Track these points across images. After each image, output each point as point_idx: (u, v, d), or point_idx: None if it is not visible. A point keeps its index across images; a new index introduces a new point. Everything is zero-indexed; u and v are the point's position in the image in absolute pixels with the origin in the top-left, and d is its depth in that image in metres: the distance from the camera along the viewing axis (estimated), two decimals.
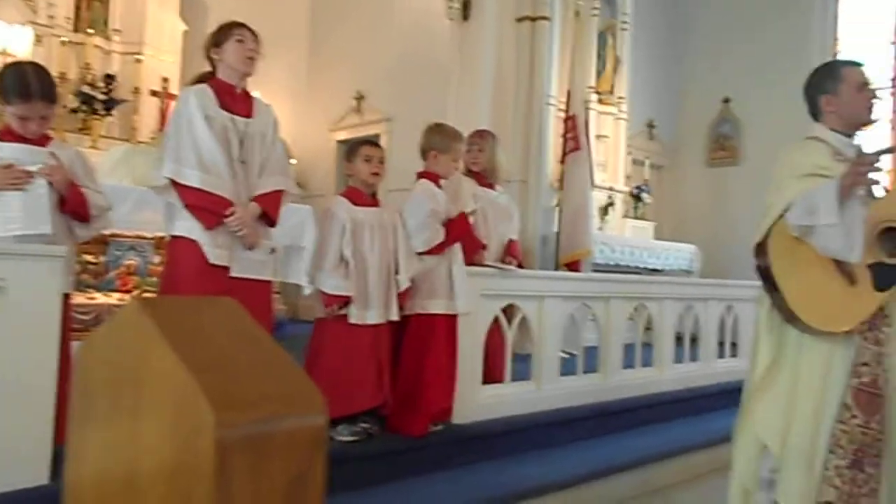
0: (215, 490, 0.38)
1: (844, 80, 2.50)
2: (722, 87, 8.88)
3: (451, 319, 3.34)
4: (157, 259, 4.76)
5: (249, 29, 2.92)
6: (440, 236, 3.28)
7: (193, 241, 2.71)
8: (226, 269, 2.75)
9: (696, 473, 4.05)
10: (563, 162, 6.09)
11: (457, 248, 3.40)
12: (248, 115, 2.91)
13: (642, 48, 8.23)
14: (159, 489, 0.42)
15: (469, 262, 3.51)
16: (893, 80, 7.78)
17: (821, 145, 2.51)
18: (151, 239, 4.78)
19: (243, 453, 0.40)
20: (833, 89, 2.51)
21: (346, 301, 3.04)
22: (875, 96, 2.54)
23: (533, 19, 6.18)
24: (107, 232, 4.07)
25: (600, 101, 7.15)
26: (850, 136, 2.55)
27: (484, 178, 4.13)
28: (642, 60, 8.28)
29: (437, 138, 3.45)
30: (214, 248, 2.72)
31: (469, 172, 4.12)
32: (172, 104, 6.22)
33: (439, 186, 3.41)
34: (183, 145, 2.71)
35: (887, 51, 7.88)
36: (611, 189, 7.31)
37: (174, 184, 2.71)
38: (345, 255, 3.07)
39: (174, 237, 2.80)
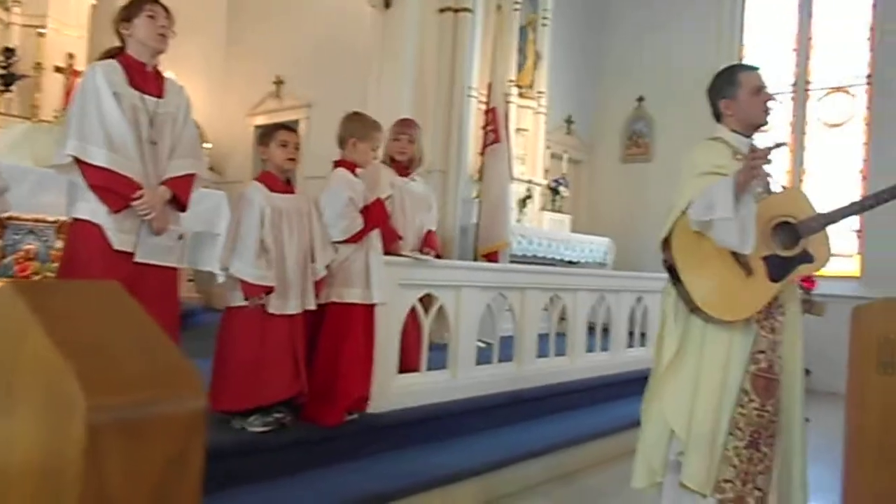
0: (85, 474, 0.38)
1: (741, 85, 2.63)
2: (637, 86, 9.18)
3: (368, 309, 3.33)
4: (59, 244, 4.53)
5: (162, 4, 2.80)
6: (358, 224, 3.26)
7: (97, 225, 2.59)
8: (130, 254, 2.64)
9: (604, 458, 4.21)
10: (482, 154, 6.15)
11: (374, 237, 3.39)
12: (159, 95, 2.80)
13: (562, 45, 8.40)
14: (30, 476, 0.41)
15: (386, 252, 3.51)
16: (794, 84, 8.25)
17: (721, 145, 2.64)
18: (53, 222, 4.54)
19: (116, 437, 0.39)
20: (731, 94, 2.63)
21: (269, 290, 2.98)
22: (771, 99, 2.67)
23: (455, 10, 6.19)
24: (4, 215, 3.84)
25: (520, 95, 7.26)
26: (748, 136, 2.68)
27: (404, 167, 4.12)
28: (562, 57, 8.46)
29: (357, 126, 3.42)
30: (119, 233, 2.60)
31: (392, 161, 4.10)
32: (78, 81, 5.91)
33: (356, 175, 3.38)
34: (89, 122, 2.57)
35: (789, 56, 8.33)
36: (529, 182, 7.44)
37: (78, 162, 2.57)
38: (266, 243, 3.01)
39: (75, 220, 2.66)
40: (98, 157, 2.55)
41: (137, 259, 2.65)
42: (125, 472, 0.40)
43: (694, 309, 2.52)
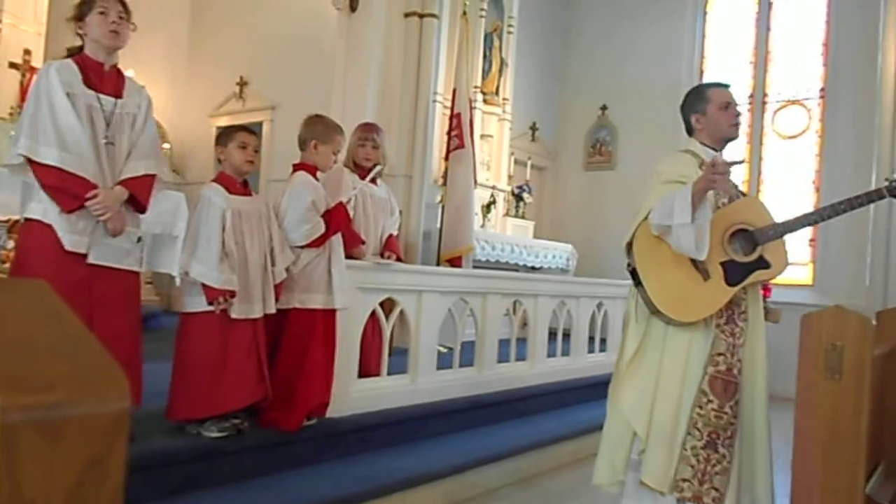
0: None
1: (711, 101, 2.76)
2: (600, 95, 9.31)
3: (329, 314, 3.30)
4: (11, 244, 4.42)
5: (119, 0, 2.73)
6: (321, 228, 3.23)
7: (48, 225, 2.53)
8: (84, 256, 2.58)
9: (564, 462, 4.24)
10: (447, 159, 6.17)
11: (336, 242, 3.36)
12: (118, 95, 2.74)
13: (527, 52, 8.48)
14: None
15: (348, 255, 3.49)
16: (751, 96, 8.44)
17: (688, 156, 2.75)
18: (5, 222, 4.43)
19: (33, 437, 0.38)
20: (701, 108, 2.77)
21: (232, 295, 2.93)
22: (739, 114, 2.81)
23: (421, 16, 6.21)
24: None
25: (485, 101, 7.30)
26: (718, 149, 2.79)
27: (367, 172, 4.09)
28: (527, 64, 8.54)
29: (320, 128, 3.39)
30: (71, 234, 2.54)
31: (356, 166, 4.06)
32: (35, 78, 5.75)
33: (316, 178, 3.36)
34: (41, 121, 2.52)
35: (747, 69, 8.53)
36: (493, 188, 7.48)
37: (30, 162, 2.51)
38: (228, 246, 2.96)
39: (27, 220, 2.60)
40: (49, 157, 2.50)
41: (91, 261, 2.59)
42: (43, 473, 0.39)
43: (655, 311, 2.59)
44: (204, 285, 2.89)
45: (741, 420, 2.58)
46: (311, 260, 3.24)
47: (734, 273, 2.57)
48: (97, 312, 2.55)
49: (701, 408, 2.54)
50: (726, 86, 2.84)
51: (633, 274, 2.66)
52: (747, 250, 2.60)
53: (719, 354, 2.57)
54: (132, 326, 2.75)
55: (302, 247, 3.21)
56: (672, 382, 2.56)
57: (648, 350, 2.63)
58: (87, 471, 0.39)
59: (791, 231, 2.61)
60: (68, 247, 2.54)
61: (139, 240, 2.79)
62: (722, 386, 2.55)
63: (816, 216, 2.67)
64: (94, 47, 2.71)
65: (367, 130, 4.11)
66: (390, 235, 4.16)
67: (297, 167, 3.37)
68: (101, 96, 2.68)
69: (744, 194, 2.84)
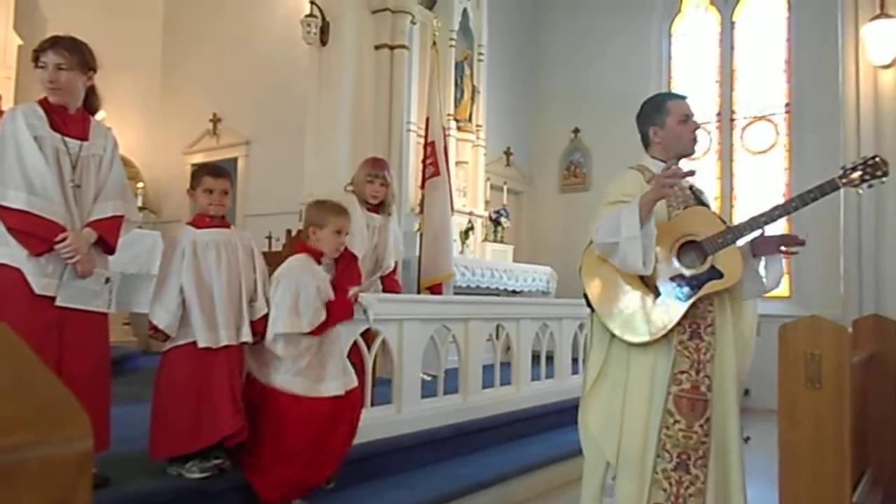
0: None
1: (670, 113, 2.66)
2: (572, 118, 9.43)
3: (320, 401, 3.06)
4: None
5: (60, 49, 2.64)
6: (321, 316, 3.03)
7: (17, 269, 2.49)
8: (53, 299, 2.55)
9: (552, 486, 4.21)
10: (423, 187, 6.20)
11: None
12: (84, 138, 2.71)
13: (498, 79, 8.59)
14: None
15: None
16: (718, 114, 8.60)
17: (635, 173, 2.67)
18: None
19: None
20: (659, 121, 2.67)
21: (166, 337, 2.92)
22: (698, 127, 2.72)
23: (391, 47, 6.28)
24: None
25: (459, 129, 7.36)
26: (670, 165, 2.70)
27: (375, 209, 4.03)
28: (498, 91, 8.65)
29: (312, 213, 3.21)
30: (41, 278, 2.51)
31: (366, 203, 3.98)
32: (1, 122, 5.71)
33: (320, 263, 3.17)
34: (7, 165, 2.50)
35: (713, 87, 8.71)
36: (471, 213, 7.52)
37: None
38: (182, 283, 2.92)
39: None
40: (17, 201, 2.48)
41: (59, 303, 2.55)
42: None
43: (614, 334, 2.53)
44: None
45: (714, 438, 2.47)
46: (309, 346, 3.03)
47: (685, 287, 2.49)
48: (66, 355, 2.51)
49: (668, 428, 2.46)
50: (684, 97, 2.74)
51: (586, 298, 2.60)
52: (699, 262, 2.50)
53: (682, 372, 2.48)
54: (101, 368, 2.71)
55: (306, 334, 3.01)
56: (638, 405, 2.49)
57: (611, 373, 2.57)
58: None
59: (740, 236, 2.48)
60: (38, 290, 2.51)
61: (107, 281, 2.75)
62: (689, 405, 2.46)
63: (766, 217, 2.50)
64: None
65: (377, 167, 4.02)
66: (388, 275, 4.15)
67: (299, 248, 3.23)
68: (67, 139, 2.66)
69: (704, 204, 2.74)
